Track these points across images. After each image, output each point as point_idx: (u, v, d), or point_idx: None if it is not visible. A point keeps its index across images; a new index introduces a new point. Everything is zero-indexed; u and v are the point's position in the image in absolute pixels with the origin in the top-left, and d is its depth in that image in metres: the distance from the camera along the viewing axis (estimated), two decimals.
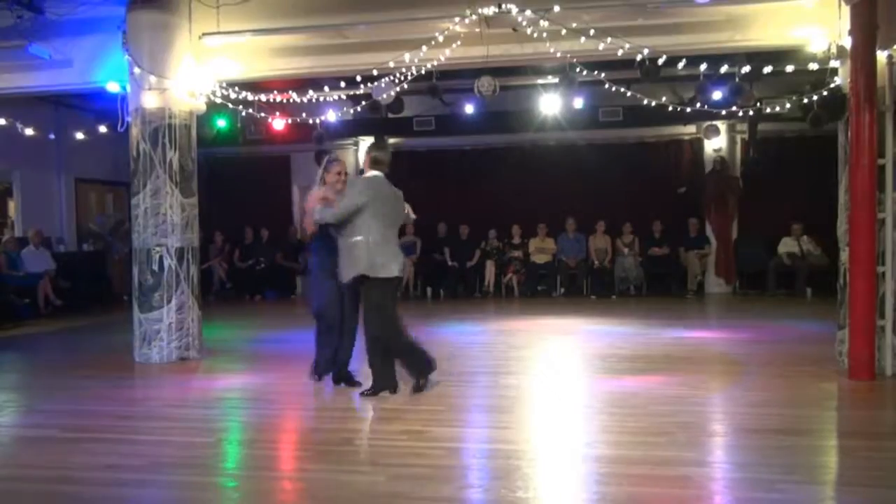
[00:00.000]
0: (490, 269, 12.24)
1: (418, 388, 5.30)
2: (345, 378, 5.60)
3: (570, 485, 3.64)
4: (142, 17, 6.88)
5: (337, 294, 5.38)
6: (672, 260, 12.08)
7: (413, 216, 5.58)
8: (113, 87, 7.23)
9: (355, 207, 5.10)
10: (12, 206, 11.82)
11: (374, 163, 5.29)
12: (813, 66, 6.91)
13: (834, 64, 6.44)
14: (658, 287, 12.00)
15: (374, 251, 5.09)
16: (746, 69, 8.20)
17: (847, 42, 5.86)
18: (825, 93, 6.86)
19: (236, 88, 7.51)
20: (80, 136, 9.69)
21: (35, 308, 10.35)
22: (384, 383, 5.27)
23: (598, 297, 11.64)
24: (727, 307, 10.89)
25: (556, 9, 6.35)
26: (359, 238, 5.10)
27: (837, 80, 6.46)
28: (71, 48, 7.43)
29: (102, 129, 9.00)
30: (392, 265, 5.17)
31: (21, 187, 11.45)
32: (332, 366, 5.56)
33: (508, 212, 12.70)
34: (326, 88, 7.90)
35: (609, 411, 4.88)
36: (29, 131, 9.14)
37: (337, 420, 4.79)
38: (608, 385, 5.68)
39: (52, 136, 10.11)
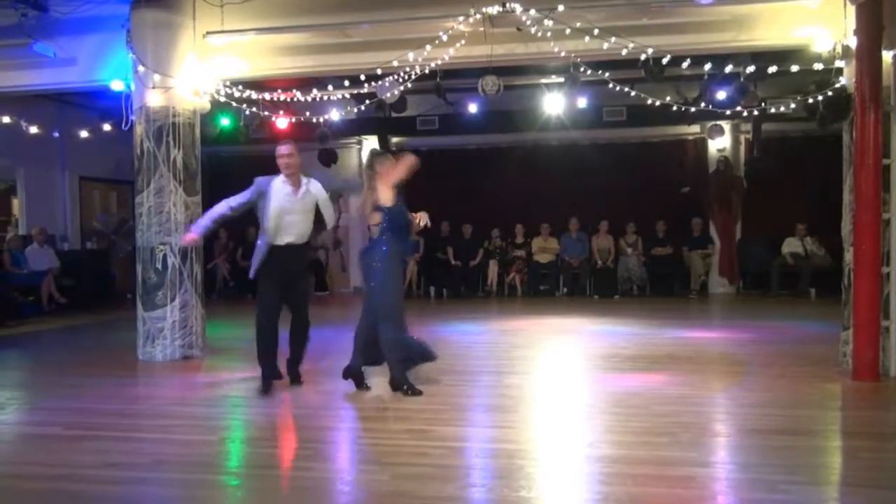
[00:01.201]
0: (493, 268, 12.23)
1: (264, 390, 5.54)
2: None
3: (573, 484, 3.64)
4: (146, 16, 6.89)
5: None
6: (675, 260, 12.07)
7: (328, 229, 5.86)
8: (117, 86, 7.23)
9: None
10: (16, 204, 11.85)
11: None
12: (818, 66, 6.88)
13: (839, 64, 6.42)
14: (661, 287, 12.00)
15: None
16: (751, 69, 8.15)
17: (852, 42, 5.84)
18: (830, 93, 6.83)
19: (240, 87, 7.51)
20: (83, 134, 9.69)
21: (38, 306, 10.38)
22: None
23: (601, 297, 11.63)
24: (730, 307, 10.87)
25: (561, 8, 6.35)
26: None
27: (842, 81, 6.43)
28: (75, 46, 7.44)
29: (106, 127, 8.99)
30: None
31: (25, 185, 11.48)
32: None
33: (511, 211, 12.72)
34: (330, 87, 7.89)
35: (612, 411, 4.87)
36: (33, 129, 9.15)
37: (340, 419, 4.78)
38: (611, 385, 5.67)
39: (55, 135, 10.13)
